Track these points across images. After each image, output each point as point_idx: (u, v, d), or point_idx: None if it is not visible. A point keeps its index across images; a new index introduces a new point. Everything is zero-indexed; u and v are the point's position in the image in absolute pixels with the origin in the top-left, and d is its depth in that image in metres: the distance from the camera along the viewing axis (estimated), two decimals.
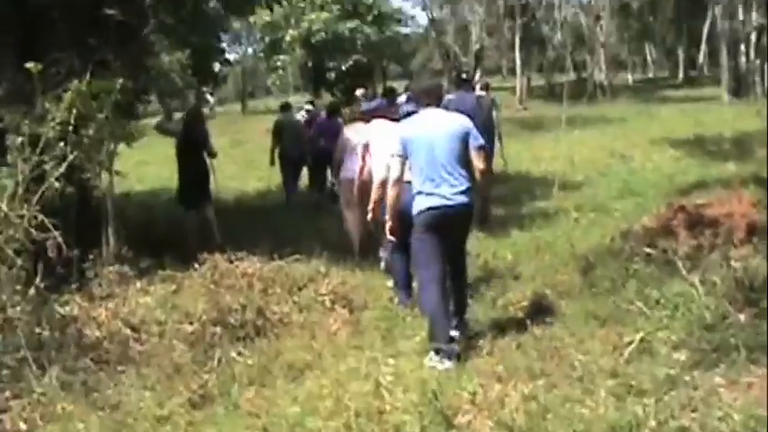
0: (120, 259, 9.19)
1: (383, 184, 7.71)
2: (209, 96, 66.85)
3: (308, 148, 15.48)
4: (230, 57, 66.01)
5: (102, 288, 8.44)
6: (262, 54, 49.87)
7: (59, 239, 7.15)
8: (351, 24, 34.64)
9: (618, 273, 7.86)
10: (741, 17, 37.56)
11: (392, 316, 7.75)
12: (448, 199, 6.73)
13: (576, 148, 21.61)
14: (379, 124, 9.46)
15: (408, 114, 7.95)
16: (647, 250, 8.13)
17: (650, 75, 70.64)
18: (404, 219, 7.12)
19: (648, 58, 72.97)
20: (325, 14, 34.57)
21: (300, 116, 17.43)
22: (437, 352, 6.46)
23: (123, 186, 20.75)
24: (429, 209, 6.77)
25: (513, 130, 23.18)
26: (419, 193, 6.83)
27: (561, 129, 17.91)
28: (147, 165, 25.41)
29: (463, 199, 6.78)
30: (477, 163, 6.94)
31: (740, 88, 37.63)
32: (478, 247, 10.08)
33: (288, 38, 35.70)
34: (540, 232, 10.93)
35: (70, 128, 7.88)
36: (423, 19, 65.79)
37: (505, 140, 14.27)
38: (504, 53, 62.58)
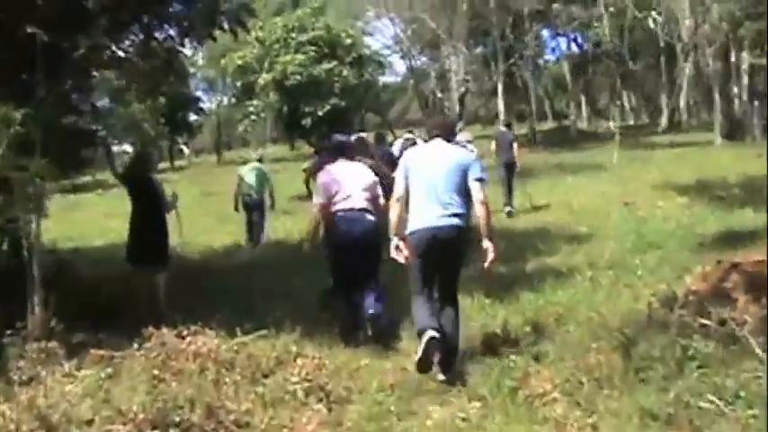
0: (47, 333, 7.71)
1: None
2: (183, 147, 65.60)
3: None
4: (205, 106, 64.89)
5: (21, 370, 6.91)
6: (234, 99, 48.36)
7: None
8: (327, 66, 33.11)
9: (669, 352, 6.13)
10: (733, 58, 36.16)
11: (383, 413, 5.97)
12: (438, 220, 6.93)
13: (573, 195, 20.15)
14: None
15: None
16: (702, 321, 6.47)
17: (630, 122, 69.51)
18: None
19: (627, 105, 71.95)
20: (300, 56, 33.02)
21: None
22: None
23: (80, 241, 19.39)
24: (419, 230, 6.99)
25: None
26: (413, 214, 7.08)
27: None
28: (112, 217, 24.05)
29: (454, 221, 6.97)
30: (477, 194, 7.05)
31: (734, 131, 36.12)
32: (483, 315, 8.40)
33: (261, 81, 34.07)
34: (555, 296, 9.11)
35: None
36: (401, 67, 64.74)
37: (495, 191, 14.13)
38: (485, 101, 61.47)
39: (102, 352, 7.19)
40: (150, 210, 10.24)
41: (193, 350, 7.03)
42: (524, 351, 7.00)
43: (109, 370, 6.83)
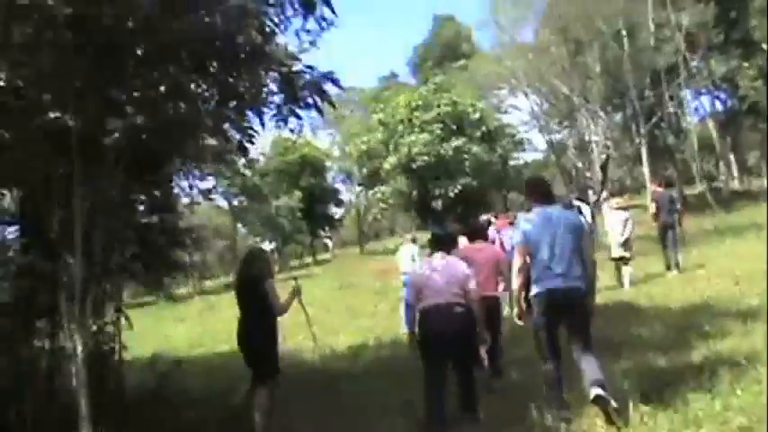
0: None
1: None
2: (326, 240, 65.60)
3: None
4: (345, 197, 64.52)
5: None
6: (361, 187, 47.37)
7: None
8: (455, 143, 31.59)
9: None
10: None
11: None
12: (563, 283, 7.31)
13: (734, 261, 17.87)
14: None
15: None
16: None
17: None
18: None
19: None
20: (425, 135, 31.64)
21: None
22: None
23: (205, 347, 18.39)
24: (547, 291, 7.35)
25: (654, 247, 19.45)
26: (537, 279, 7.45)
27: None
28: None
29: (577, 284, 7.38)
30: (589, 252, 7.93)
31: None
32: (644, 428, 6.52)
33: (387, 165, 32.84)
34: (735, 398, 7.00)
35: None
36: (541, 144, 62.91)
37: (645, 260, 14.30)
38: (629, 169, 58.98)
39: None
40: (256, 314, 9.02)
41: None
42: None
43: None
